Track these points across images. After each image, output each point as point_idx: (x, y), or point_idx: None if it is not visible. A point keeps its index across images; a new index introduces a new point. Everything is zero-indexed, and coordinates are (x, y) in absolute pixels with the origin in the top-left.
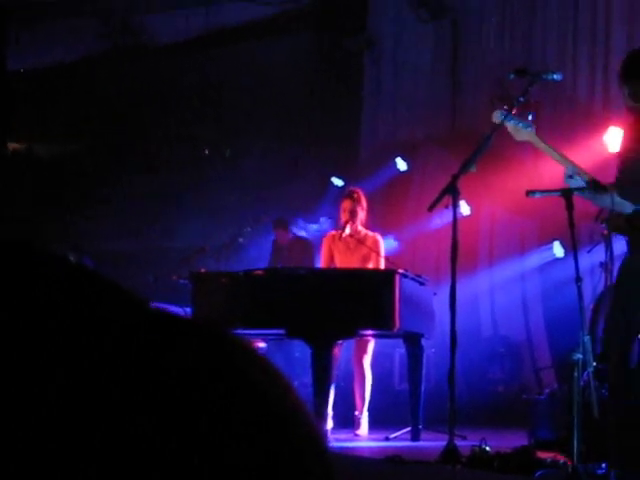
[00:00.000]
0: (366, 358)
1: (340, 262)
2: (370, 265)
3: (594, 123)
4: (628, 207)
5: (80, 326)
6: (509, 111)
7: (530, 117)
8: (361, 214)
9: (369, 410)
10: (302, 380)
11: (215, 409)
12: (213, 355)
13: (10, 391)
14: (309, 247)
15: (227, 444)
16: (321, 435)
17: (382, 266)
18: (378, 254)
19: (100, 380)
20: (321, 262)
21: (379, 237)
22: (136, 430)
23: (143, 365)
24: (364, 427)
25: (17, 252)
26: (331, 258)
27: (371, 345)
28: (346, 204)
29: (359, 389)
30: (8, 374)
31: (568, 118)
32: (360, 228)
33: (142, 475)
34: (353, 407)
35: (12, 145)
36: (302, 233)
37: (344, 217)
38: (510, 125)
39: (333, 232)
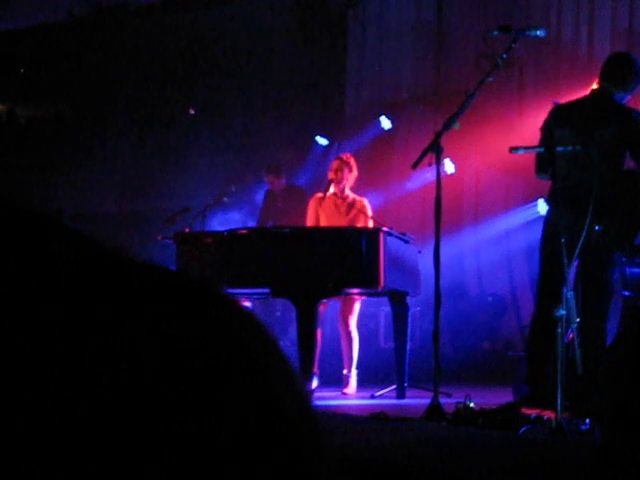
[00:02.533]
0: (352, 319)
1: (326, 224)
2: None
3: (579, 78)
4: None
5: (79, 270)
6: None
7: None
8: (349, 177)
9: (356, 368)
10: (283, 340)
11: (198, 364)
12: (199, 309)
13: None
14: (303, 195)
15: (210, 403)
16: (307, 392)
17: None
18: (366, 216)
19: (100, 322)
20: (307, 221)
21: (366, 202)
22: (117, 385)
23: (147, 306)
24: (352, 386)
25: (9, 206)
26: (317, 220)
27: (357, 305)
28: (333, 164)
29: (346, 348)
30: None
31: (552, 75)
32: (348, 192)
33: (128, 436)
34: (341, 366)
35: None
36: None
37: (330, 176)
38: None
39: (319, 194)
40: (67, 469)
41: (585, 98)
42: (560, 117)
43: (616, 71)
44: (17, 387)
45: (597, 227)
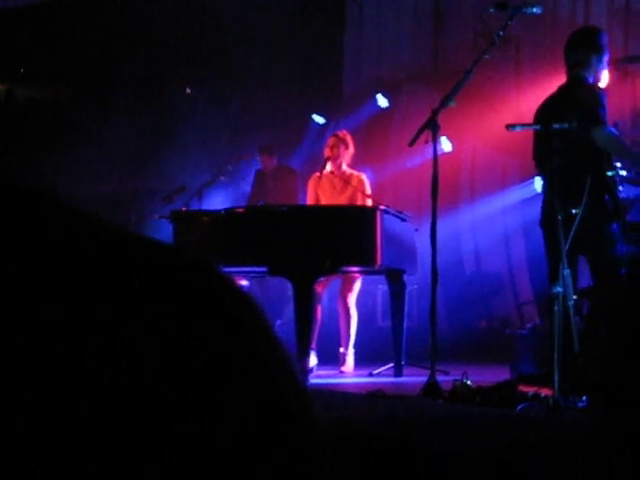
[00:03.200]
0: (351, 296)
1: (326, 202)
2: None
3: None
4: None
5: (78, 266)
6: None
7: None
8: (345, 154)
9: (354, 347)
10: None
11: (198, 363)
12: (200, 305)
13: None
14: (294, 176)
15: (210, 403)
16: (299, 372)
17: (369, 205)
18: (364, 193)
19: (100, 322)
20: (308, 200)
21: (364, 177)
22: (111, 367)
23: (148, 306)
24: (349, 364)
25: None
26: (317, 199)
27: (357, 284)
28: (329, 141)
29: (344, 327)
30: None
31: (549, 52)
32: (345, 168)
33: (128, 436)
34: (339, 344)
35: None
36: None
37: (326, 153)
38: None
39: (317, 174)
40: (67, 469)
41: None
42: (538, 112)
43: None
44: (17, 387)
45: (574, 210)
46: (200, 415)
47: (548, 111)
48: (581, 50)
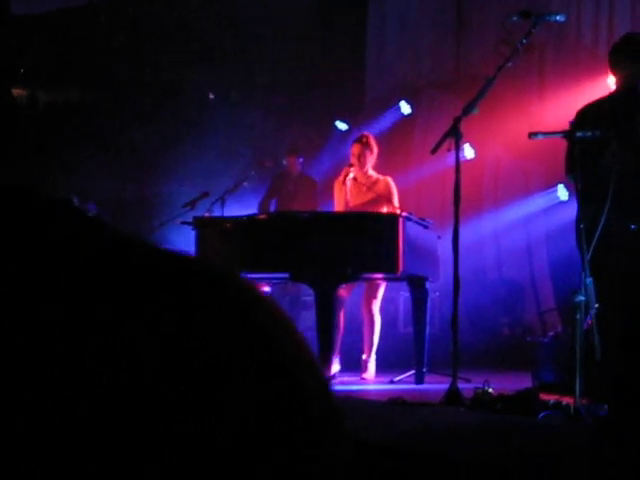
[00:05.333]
0: (375, 303)
1: (353, 206)
2: (384, 209)
3: (598, 65)
4: None
5: (80, 268)
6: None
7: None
8: (370, 158)
9: (375, 354)
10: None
11: (215, 350)
12: (218, 296)
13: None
14: (315, 187)
15: (228, 391)
16: (328, 383)
17: (397, 207)
18: (389, 199)
19: (100, 322)
20: (335, 207)
21: (390, 180)
22: (134, 372)
23: (148, 306)
24: (371, 371)
25: (18, 196)
26: (345, 203)
27: (381, 290)
28: (354, 148)
29: (368, 333)
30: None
31: (572, 60)
32: (371, 172)
33: (128, 435)
34: (361, 351)
35: (16, 91)
36: None
37: (352, 160)
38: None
39: (340, 178)
40: (67, 469)
41: (612, 95)
42: (585, 120)
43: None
44: (17, 387)
45: (633, 226)
46: (200, 415)
47: (609, 116)
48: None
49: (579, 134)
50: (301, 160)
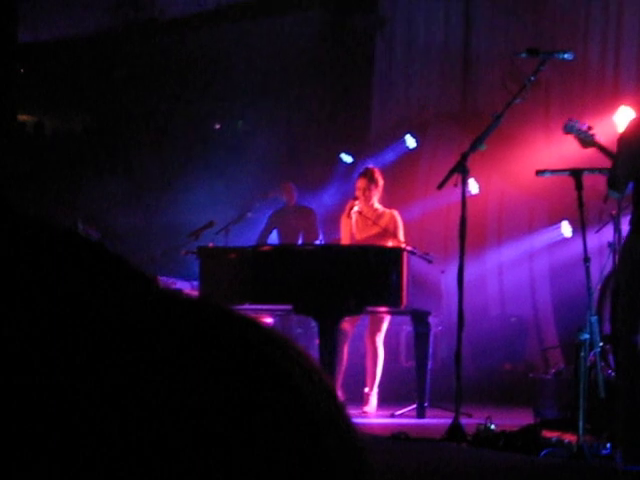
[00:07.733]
0: (379, 336)
1: (359, 239)
2: (390, 243)
3: (605, 100)
4: None
5: (78, 299)
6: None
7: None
8: (376, 192)
9: (377, 387)
10: None
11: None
12: (220, 338)
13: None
14: (314, 216)
15: (242, 435)
16: (349, 419)
17: (402, 241)
18: (394, 232)
19: (96, 361)
20: (342, 241)
21: (396, 214)
22: (135, 419)
23: (143, 347)
24: (373, 404)
25: (20, 224)
26: (352, 236)
27: (385, 323)
28: (360, 182)
29: (370, 366)
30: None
31: (578, 96)
32: (377, 206)
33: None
34: (363, 383)
35: (22, 117)
36: None
37: (357, 194)
38: (578, 135)
39: (345, 214)
40: (68, 469)
41: None
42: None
43: None
44: (18, 392)
45: None
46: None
47: None
48: None
49: (586, 172)
50: (295, 190)
